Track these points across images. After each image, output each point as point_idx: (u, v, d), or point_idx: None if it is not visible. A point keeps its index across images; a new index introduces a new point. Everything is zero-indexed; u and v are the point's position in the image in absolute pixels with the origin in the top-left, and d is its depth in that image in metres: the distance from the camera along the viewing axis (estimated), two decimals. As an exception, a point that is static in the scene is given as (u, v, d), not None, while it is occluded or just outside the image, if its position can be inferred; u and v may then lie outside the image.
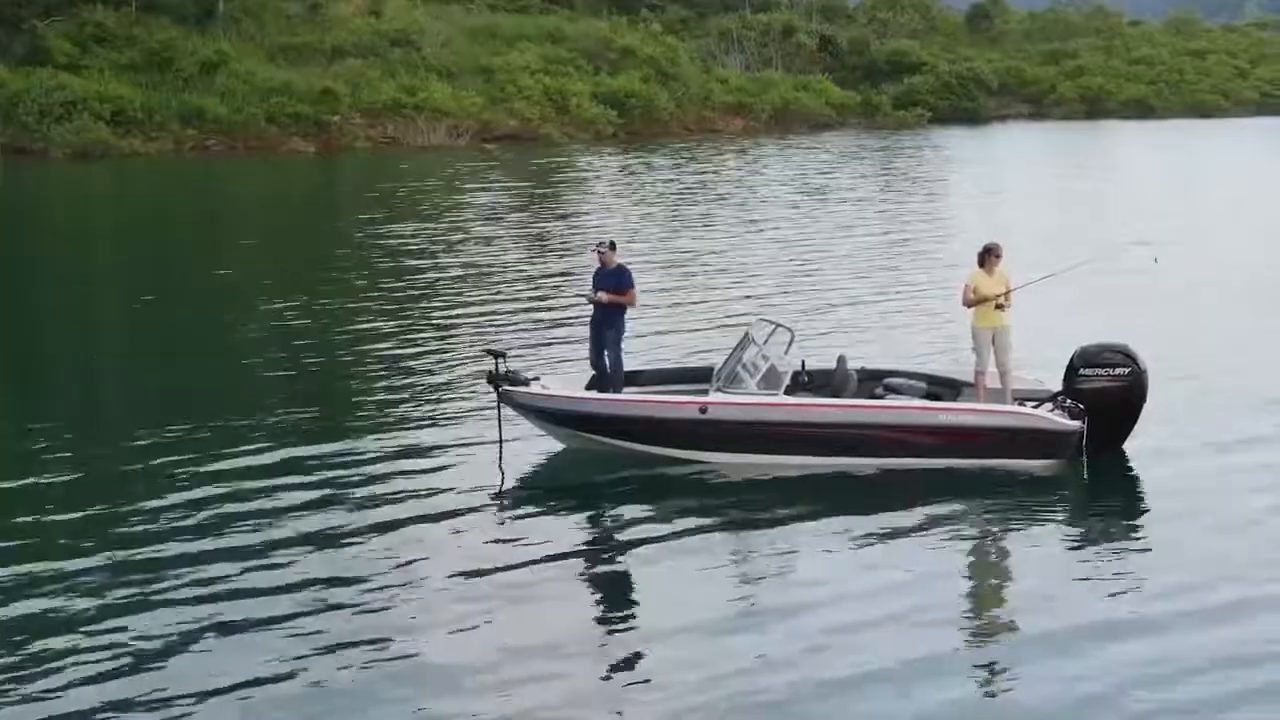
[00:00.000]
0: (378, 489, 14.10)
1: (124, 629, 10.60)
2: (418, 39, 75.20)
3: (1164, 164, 62.68)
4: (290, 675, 9.93)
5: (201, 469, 14.59)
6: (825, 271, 28.88)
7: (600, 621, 11.20)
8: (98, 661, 10.07)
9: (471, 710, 9.44)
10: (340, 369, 20.07)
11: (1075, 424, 14.62)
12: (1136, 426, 14.96)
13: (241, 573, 11.75)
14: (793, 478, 14.45)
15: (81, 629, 10.60)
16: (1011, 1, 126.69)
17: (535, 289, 26.71)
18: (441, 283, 27.70)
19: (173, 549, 12.29)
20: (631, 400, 15.34)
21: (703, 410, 14.83)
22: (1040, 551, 12.64)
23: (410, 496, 13.82)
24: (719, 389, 14.96)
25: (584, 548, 12.80)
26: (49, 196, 49.92)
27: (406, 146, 67.40)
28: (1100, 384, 14.71)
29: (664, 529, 13.04)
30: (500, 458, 14.90)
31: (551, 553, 12.42)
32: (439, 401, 17.80)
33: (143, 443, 15.69)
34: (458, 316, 23.88)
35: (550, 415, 15.30)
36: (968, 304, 15.65)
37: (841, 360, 15.79)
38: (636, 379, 16.03)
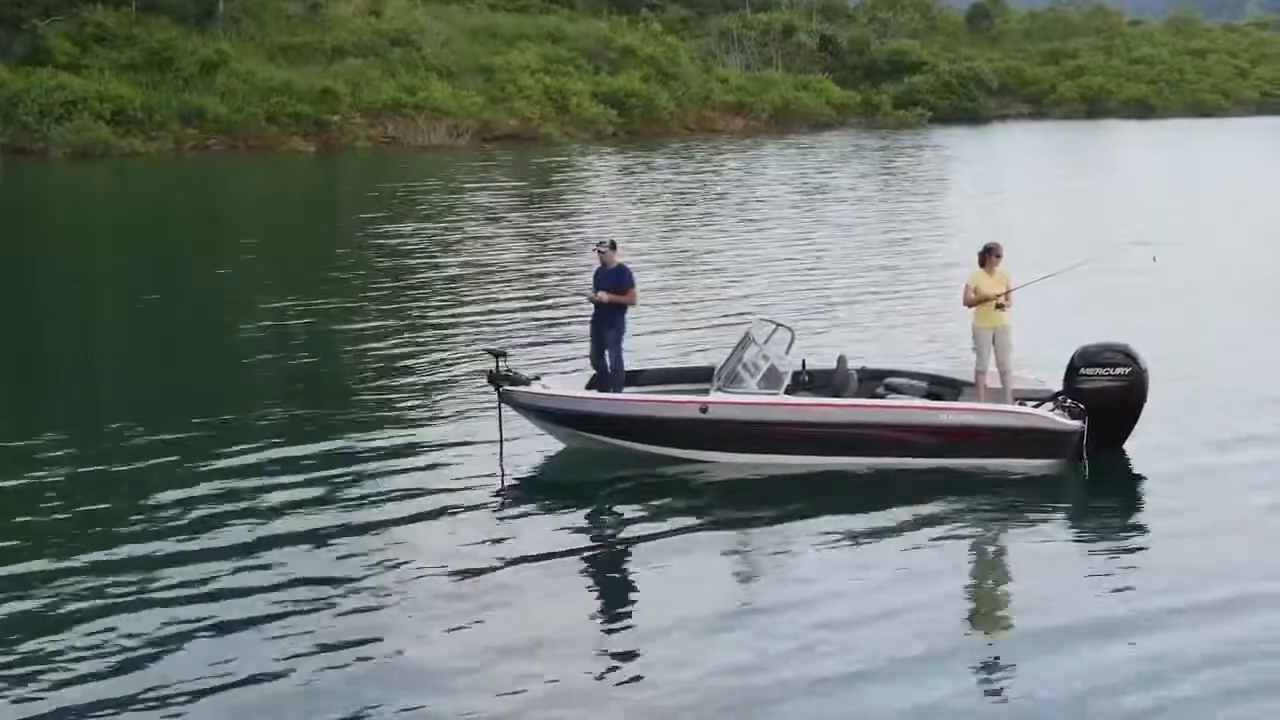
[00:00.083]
0: (378, 488, 14.10)
1: (124, 628, 10.60)
2: (418, 39, 75.24)
3: (1164, 164, 62.68)
4: (286, 673, 9.92)
5: (201, 469, 14.58)
6: (826, 271, 28.88)
7: (599, 620, 11.19)
8: (96, 660, 10.07)
9: (470, 707, 9.44)
10: (340, 369, 20.06)
11: (1076, 424, 14.62)
12: (1137, 426, 14.95)
13: (242, 571, 11.76)
14: (793, 477, 14.45)
15: (78, 628, 10.59)
16: (1012, 1, 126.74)
17: (535, 288, 26.71)
18: (441, 282, 27.72)
19: (171, 548, 12.29)
20: (632, 400, 15.34)
21: (703, 410, 14.83)
22: (1040, 551, 12.63)
23: (411, 496, 13.82)
24: (720, 389, 14.95)
25: (584, 547, 12.79)
26: (49, 196, 49.92)
27: (407, 146, 67.42)
28: (1101, 384, 14.70)
29: (664, 528, 13.04)
30: (501, 457, 14.90)
31: (551, 552, 12.42)
32: (439, 401, 17.80)
33: (142, 442, 15.69)
34: (458, 316, 23.88)
35: (551, 415, 15.30)
36: (968, 304, 15.64)
37: (842, 360, 15.79)
38: (637, 378, 16.03)
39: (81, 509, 13.33)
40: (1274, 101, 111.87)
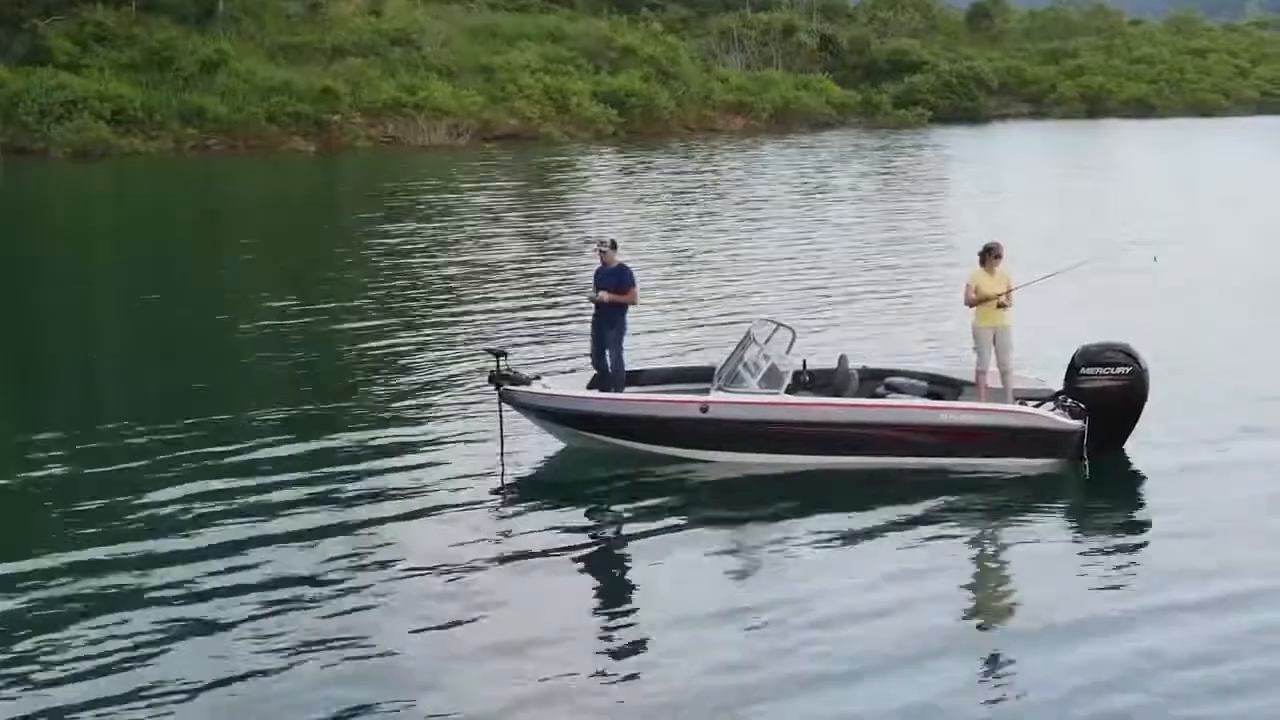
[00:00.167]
0: (378, 487, 14.10)
1: (123, 626, 10.60)
2: (418, 38, 75.23)
3: (1164, 163, 62.68)
4: (284, 670, 9.95)
5: (200, 468, 14.58)
6: (826, 271, 28.88)
7: (597, 618, 11.20)
8: (96, 659, 10.06)
9: (467, 704, 9.45)
10: (341, 369, 20.06)
11: (1076, 423, 14.62)
12: (1137, 426, 14.96)
13: (241, 570, 11.76)
14: (794, 477, 14.44)
15: (77, 626, 10.59)
16: (1012, 0, 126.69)
17: (536, 288, 26.70)
18: (442, 282, 27.72)
19: (170, 546, 12.28)
20: (633, 399, 15.34)
21: (704, 409, 14.83)
22: (1041, 550, 12.62)
23: (411, 495, 13.82)
24: (720, 388, 14.95)
25: (583, 545, 12.79)
26: (49, 196, 49.91)
27: (407, 146, 67.41)
28: (1101, 383, 14.70)
29: (664, 527, 13.04)
30: (501, 457, 14.89)
31: (551, 551, 12.42)
32: (440, 400, 17.79)
33: (142, 442, 15.69)
34: (458, 316, 23.88)
35: (551, 414, 15.29)
36: (969, 303, 15.64)
37: (843, 359, 15.79)
38: (638, 378, 16.02)
39: (81, 508, 13.31)
40: (1274, 101, 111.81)
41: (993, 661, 10.26)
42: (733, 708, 9.45)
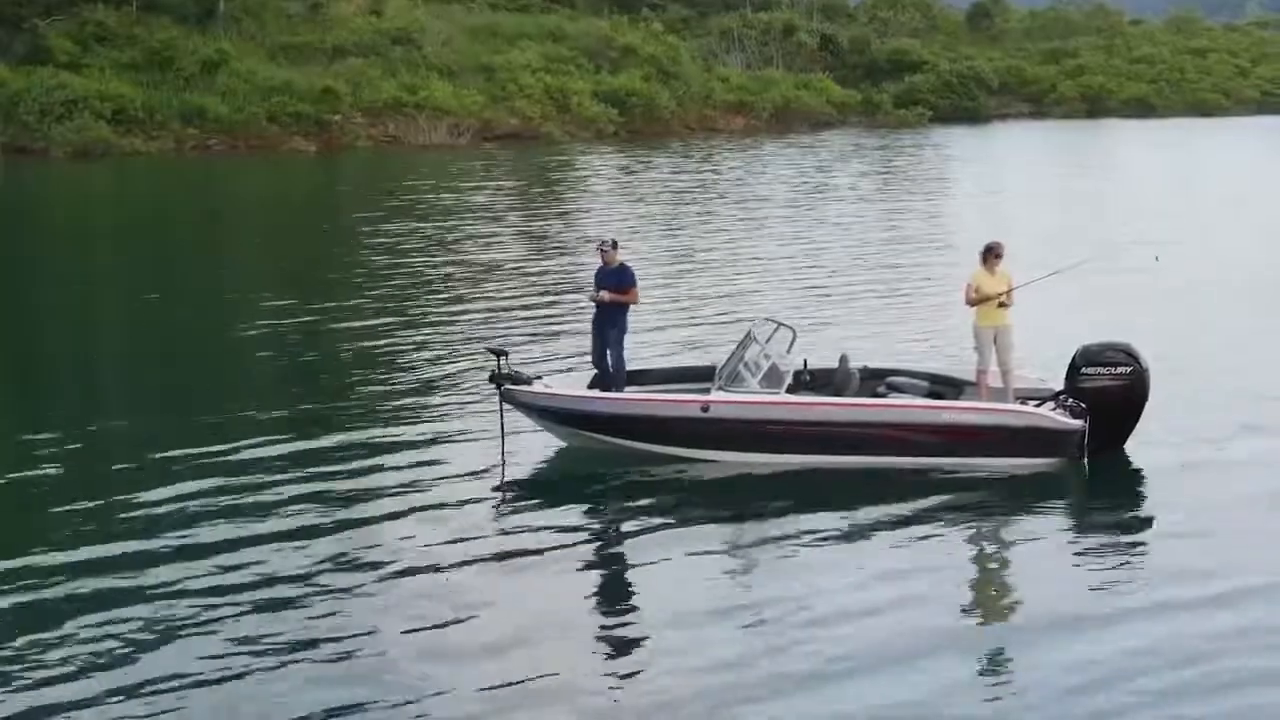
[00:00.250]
0: (378, 486, 14.10)
1: (123, 625, 10.61)
2: (419, 38, 75.22)
3: (1165, 163, 62.67)
4: (282, 667, 9.96)
5: (200, 467, 14.57)
6: (827, 270, 28.88)
7: (595, 617, 11.20)
8: (94, 657, 10.07)
9: (464, 702, 9.46)
10: (341, 368, 20.05)
11: (1077, 423, 14.62)
12: (1138, 425, 14.95)
13: (240, 568, 11.76)
14: (794, 476, 14.44)
15: (74, 624, 10.59)
16: (1012, 0, 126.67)
17: (537, 288, 26.70)
18: (442, 282, 27.71)
19: (169, 545, 12.29)
20: (634, 399, 15.33)
21: (705, 409, 14.82)
22: (1041, 549, 12.62)
23: (412, 494, 13.82)
24: (721, 388, 14.95)
25: (583, 545, 12.79)
26: (49, 196, 49.91)
27: (408, 145, 67.40)
28: (1102, 383, 14.69)
29: (665, 527, 13.04)
30: (502, 456, 14.88)
31: (551, 551, 12.42)
32: (441, 400, 17.79)
33: (142, 441, 15.68)
34: (459, 316, 23.87)
35: (552, 414, 15.29)
36: (970, 303, 15.63)
37: (844, 359, 15.78)
38: (639, 378, 16.02)
39: (81, 508, 13.31)
40: (1274, 101, 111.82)
41: (992, 660, 10.27)
42: (730, 705, 9.46)
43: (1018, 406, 14.98)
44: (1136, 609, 11.05)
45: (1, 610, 10.91)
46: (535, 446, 15.53)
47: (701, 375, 15.69)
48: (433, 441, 15.80)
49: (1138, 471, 14.76)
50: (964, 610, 11.30)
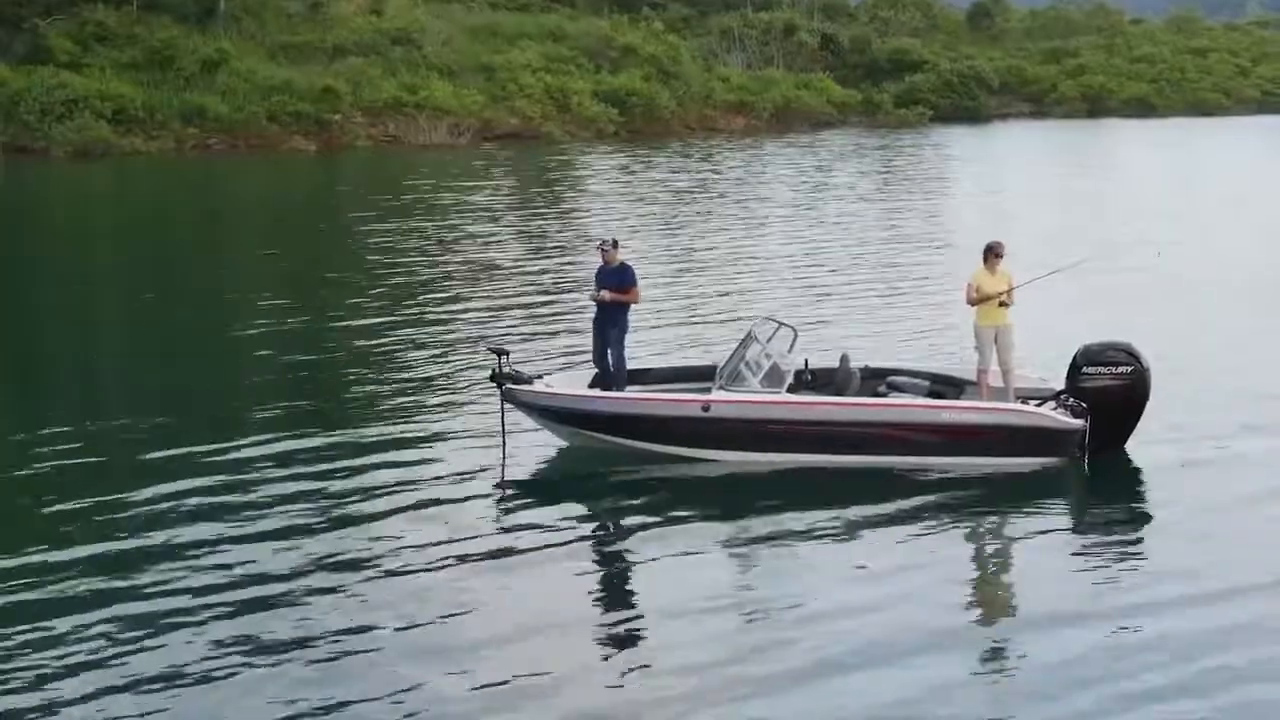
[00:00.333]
0: (379, 485, 14.10)
1: (122, 624, 10.61)
2: (419, 37, 75.16)
3: (1165, 163, 62.67)
4: (282, 663, 9.97)
5: (200, 466, 14.58)
6: (828, 270, 28.88)
7: (595, 615, 11.21)
8: (93, 656, 10.08)
9: (462, 699, 9.48)
10: (342, 368, 20.05)
11: (1078, 422, 14.62)
12: (1139, 425, 14.95)
13: (240, 567, 11.76)
14: (795, 476, 14.44)
15: (71, 622, 10.60)
16: (1012, 0, 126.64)
17: (538, 287, 26.70)
18: (443, 281, 27.71)
19: (168, 544, 12.29)
20: (635, 399, 15.33)
21: (706, 409, 14.82)
22: (1041, 549, 12.62)
23: (413, 493, 13.82)
24: (722, 387, 14.95)
25: (583, 544, 12.81)
26: (49, 196, 49.90)
27: (408, 145, 67.36)
28: (1103, 382, 14.70)
29: (665, 527, 13.04)
30: (503, 456, 14.89)
31: (550, 549, 12.44)
32: (441, 399, 17.79)
33: (142, 441, 15.68)
34: (460, 315, 23.87)
35: (553, 413, 15.29)
36: (971, 302, 15.64)
37: (844, 358, 15.78)
38: (640, 377, 16.02)
39: (80, 507, 13.31)
40: (1275, 100, 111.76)
41: (992, 658, 10.29)
42: (730, 703, 9.47)
43: (1018, 406, 14.98)
44: (1136, 607, 11.06)
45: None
46: (535, 446, 15.53)
47: (702, 375, 15.69)
48: (433, 441, 15.81)
49: (1138, 471, 14.77)
50: (964, 608, 11.30)
